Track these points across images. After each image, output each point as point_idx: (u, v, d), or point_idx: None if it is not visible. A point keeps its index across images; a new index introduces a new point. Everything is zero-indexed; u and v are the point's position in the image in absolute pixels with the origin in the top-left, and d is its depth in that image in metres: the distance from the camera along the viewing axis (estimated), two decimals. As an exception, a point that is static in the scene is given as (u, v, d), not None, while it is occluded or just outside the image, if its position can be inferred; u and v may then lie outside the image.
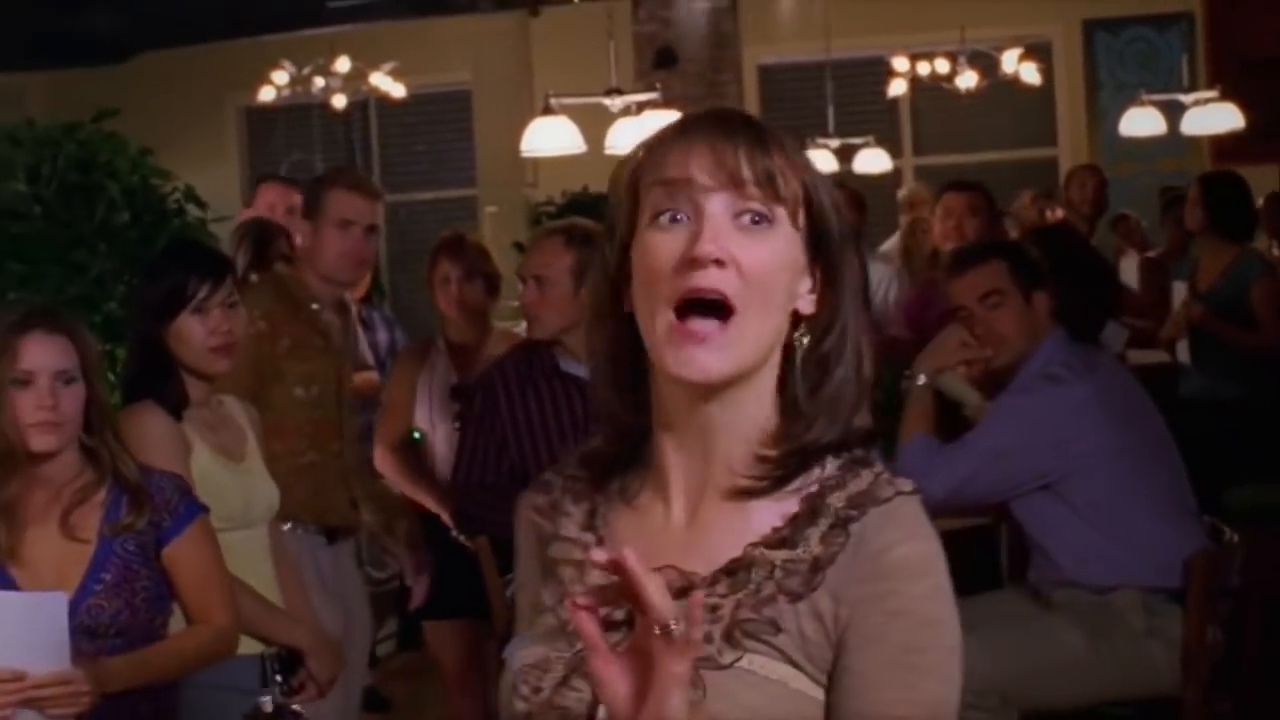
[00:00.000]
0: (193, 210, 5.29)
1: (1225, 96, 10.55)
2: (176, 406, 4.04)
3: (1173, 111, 10.82)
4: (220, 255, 4.38)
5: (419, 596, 5.39)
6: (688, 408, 1.81)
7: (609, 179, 1.86)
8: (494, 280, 5.97)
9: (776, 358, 1.82)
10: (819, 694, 1.77)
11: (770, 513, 1.82)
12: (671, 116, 6.99)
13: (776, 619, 1.76)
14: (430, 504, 5.61)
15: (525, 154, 8.42)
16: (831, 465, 1.83)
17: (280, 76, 12.51)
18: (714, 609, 1.77)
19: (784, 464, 1.82)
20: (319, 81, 12.60)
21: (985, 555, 5.10)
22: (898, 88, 12.22)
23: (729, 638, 1.76)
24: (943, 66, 12.03)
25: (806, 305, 1.83)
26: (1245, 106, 10.47)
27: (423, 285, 5.95)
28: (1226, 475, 6.08)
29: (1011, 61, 11.87)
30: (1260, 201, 9.69)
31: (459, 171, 14.05)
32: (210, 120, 14.41)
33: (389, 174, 14.51)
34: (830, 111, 11.78)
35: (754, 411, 1.82)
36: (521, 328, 7.03)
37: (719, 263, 1.74)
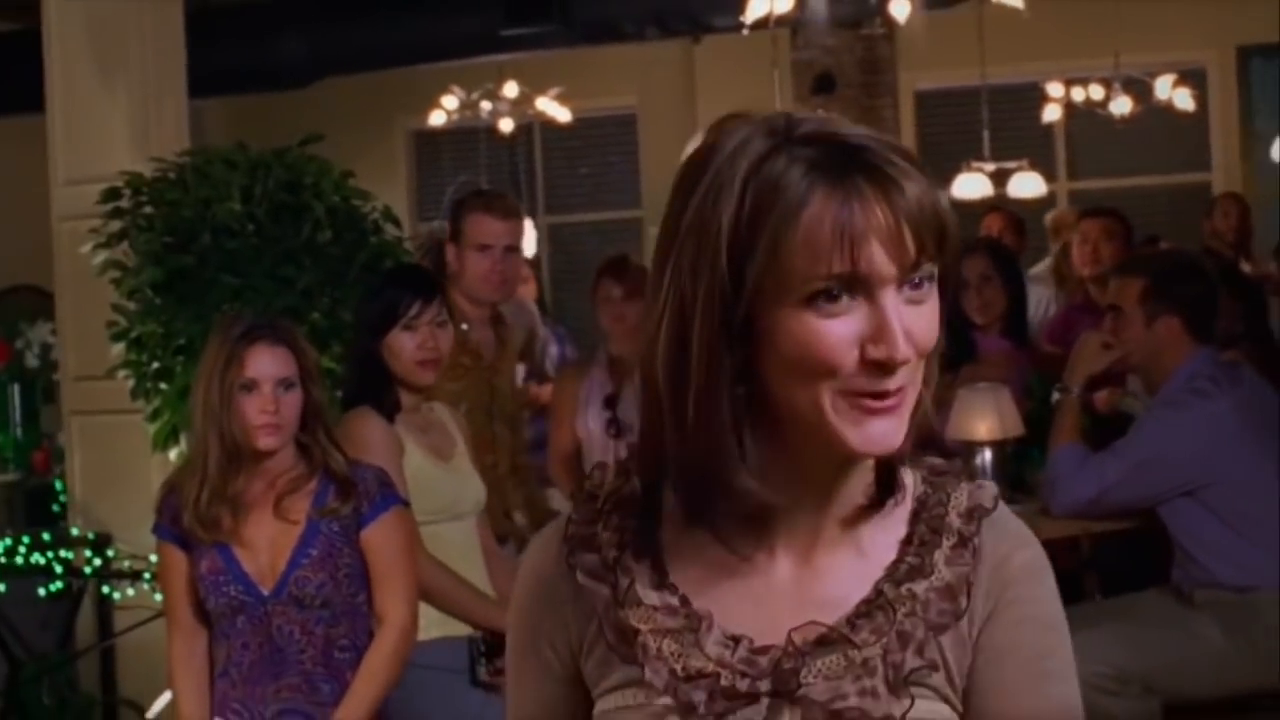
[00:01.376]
0: (390, 229, 5.63)
1: (1378, 123, 10.68)
2: (391, 412, 4.42)
3: (1326, 138, 10.97)
4: (432, 277, 4.74)
5: None
6: (827, 471, 1.64)
7: (679, 186, 1.59)
8: None
9: None
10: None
11: (881, 542, 1.67)
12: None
13: (933, 657, 1.64)
14: None
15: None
16: (912, 477, 1.69)
17: (450, 101, 12.92)
18: (865, 661, 1.61)
19: (879, 482, 1.65)
20: (486, 106, 12.99)
21: (1136, 558, 5.37)
22: (1052, 113, 12.38)
23: (893, 687, 1.61)
24: (1097, 92, 12.14)
25: None
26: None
27: (586, 302, 6.29)
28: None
29: (1165, 87, 11.97)
30: None
31: (621, 193, 14.39)
32: (380, 143, 14.86)
33: (552, 196, 14.90)
34: (985, 136, 11.97)
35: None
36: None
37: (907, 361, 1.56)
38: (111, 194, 5.50)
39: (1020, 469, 5.21)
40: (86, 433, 6.39)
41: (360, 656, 3.93)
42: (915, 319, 1.55)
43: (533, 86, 12.80)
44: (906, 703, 1.60)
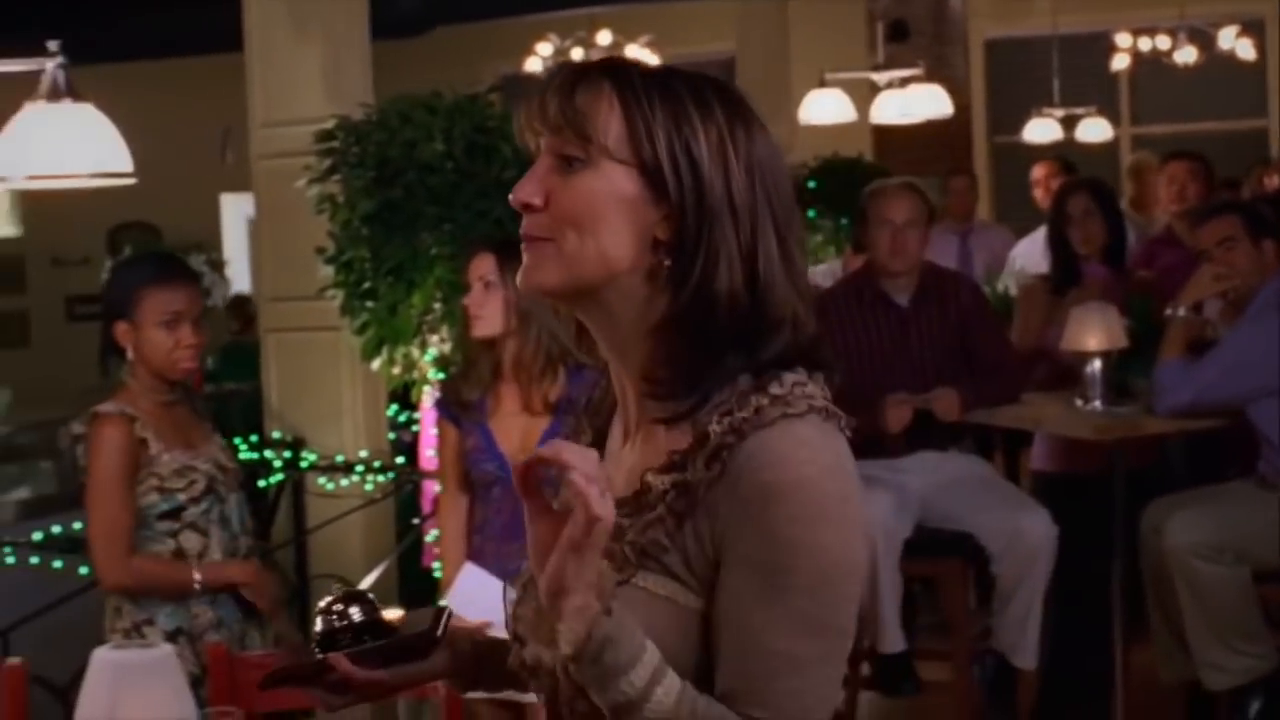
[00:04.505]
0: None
1: None
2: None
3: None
4: None
5: None
6: (591, 334, 1.98)
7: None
8: None
9: (634, 283, 1.90)
10: (699, 604, 1.85)
11: (674, 440, 1.89)
12: (934, 91, 8.06)
13: (663, 538, 1.85)
14: None
15: (803, 124, 9.51)
16: (737, 391, 1.88)
17: (544, 48, 13.67)
18: (620, 530, 1.85)
19: (675, 389, 1.89)
20: (578, 53, 13.72)
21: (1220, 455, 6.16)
22: (1120, 62, 13.05)
23: (623, 558, 1.86)
24: (1163, 42, 12.83)
25: (662, 232, 1.89)
26: None
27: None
28: None
29: (1229, 38, 12.62)
30: None
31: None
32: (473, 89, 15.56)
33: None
34: (1055, 83, 12.63)
35: (628, 335, 1.93)
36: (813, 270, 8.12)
37: (527, 206, 1.90)
38: (326, 135, 6.26)
39: (1124, 376, 5.95)
40: (282, 348, 7.19)
41: None
42: (560, 185, 1.89)
43: (625, 35, 13.52)
44: (631, 571, 1.85)
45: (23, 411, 9.70)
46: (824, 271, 8.50)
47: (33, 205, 9.43)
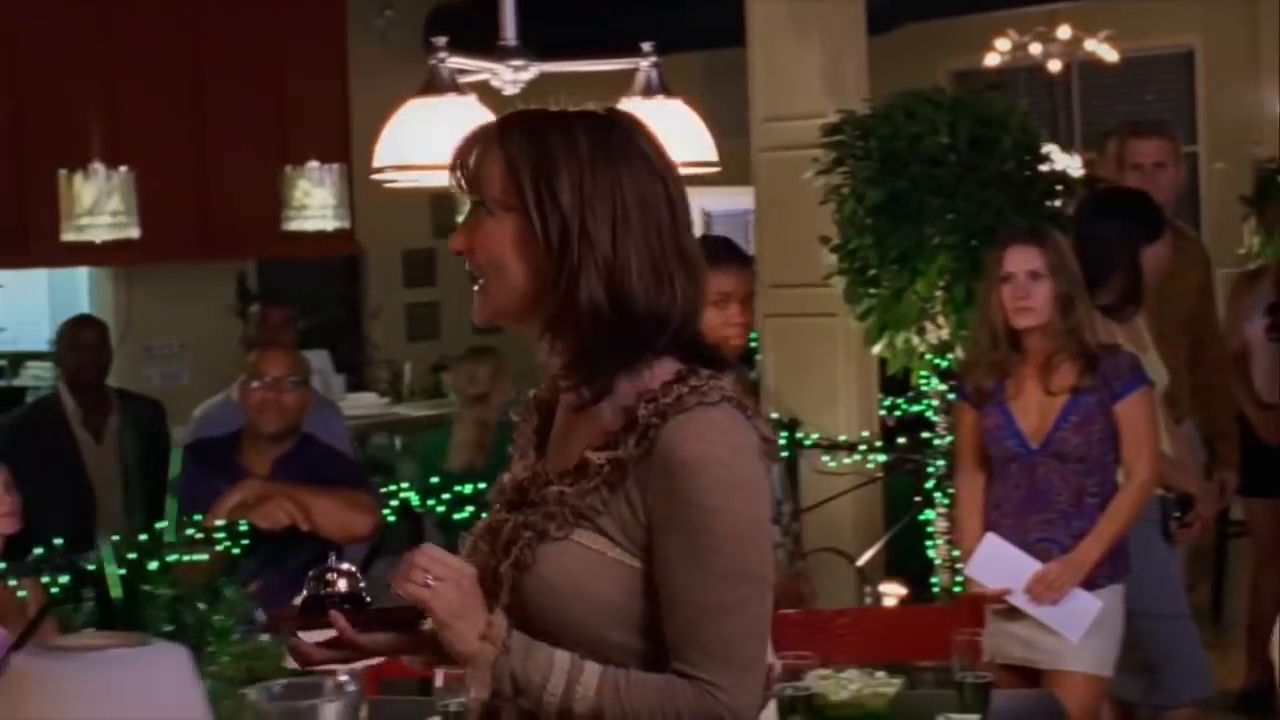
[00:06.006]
0: (1057, 159, 6.57)
1: None
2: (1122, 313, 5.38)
3: None
4: (1158, 208, 5.68)
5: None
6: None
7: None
8: None
9: (538, 303, 2.29)
10: (634, 563, 2.22)
11: (607, 423, 2.26)
12: None
13: (599, 504, 2.22)
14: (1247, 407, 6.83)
15: (1284, 117, 9.46)
16: (660, 381, 2.26)
17: (1003, 44, 13.76)
18: (560, 496, 2.24)
19: (574, 381, 2.28)
20: (1036, 48, 13.77)
21: None
22: None
23: (563, 519, 2.23)
24: None
25: (548, 258, 2.27)
26: None
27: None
28: None
29: None
30: None
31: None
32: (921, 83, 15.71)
33: (1090, 130, 15.54)
34: None
35: (548, 342, 2.32)
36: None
37: (459, 252, 2.30)
38: (833, 130, 6.57)
39: None
40: (780, 333, 7.52)
41: (1104, 502, 4.89)
42: (475, 231, 2.30)
43: (1085, 30, 13.52)
44: (568, 530, 2.22)
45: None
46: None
47: (447, 203, 9.92)
